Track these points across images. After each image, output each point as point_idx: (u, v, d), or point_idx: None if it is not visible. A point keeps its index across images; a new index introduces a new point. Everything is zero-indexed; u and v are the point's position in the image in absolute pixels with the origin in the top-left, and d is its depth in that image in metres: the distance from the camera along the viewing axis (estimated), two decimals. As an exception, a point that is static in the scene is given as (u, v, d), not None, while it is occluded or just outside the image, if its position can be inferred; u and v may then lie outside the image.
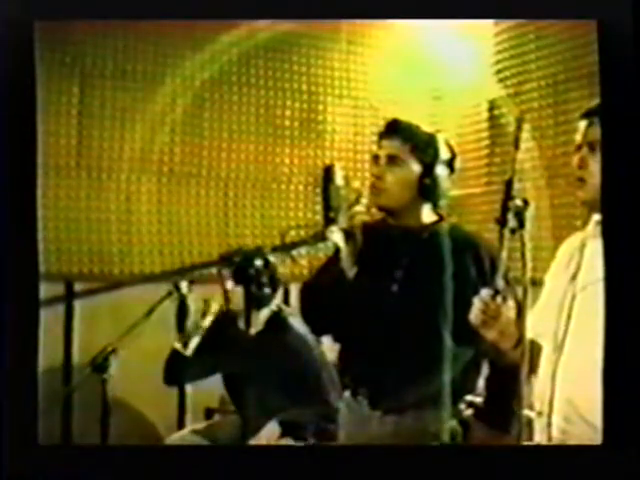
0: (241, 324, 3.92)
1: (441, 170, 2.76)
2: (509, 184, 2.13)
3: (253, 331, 3.87)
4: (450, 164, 2.79)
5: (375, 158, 2.81)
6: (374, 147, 2.86)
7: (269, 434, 3.71)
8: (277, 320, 3.88)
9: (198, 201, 4.65)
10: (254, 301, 3.80)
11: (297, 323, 3.71)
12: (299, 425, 3.74)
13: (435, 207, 2.81)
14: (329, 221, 2.61)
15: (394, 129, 2.79)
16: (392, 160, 2.76)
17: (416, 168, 2.75)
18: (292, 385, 3.76)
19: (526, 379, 2.10)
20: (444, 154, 2.78)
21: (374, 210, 2.79)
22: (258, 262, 3.71)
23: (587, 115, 2.28)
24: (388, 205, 2.77)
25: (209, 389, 4.20)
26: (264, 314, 3.87)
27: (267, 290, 3.84)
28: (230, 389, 4.04)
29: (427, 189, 2.76)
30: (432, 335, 2.67)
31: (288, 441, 3.69)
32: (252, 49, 4.62)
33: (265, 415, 3.74)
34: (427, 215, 2.80)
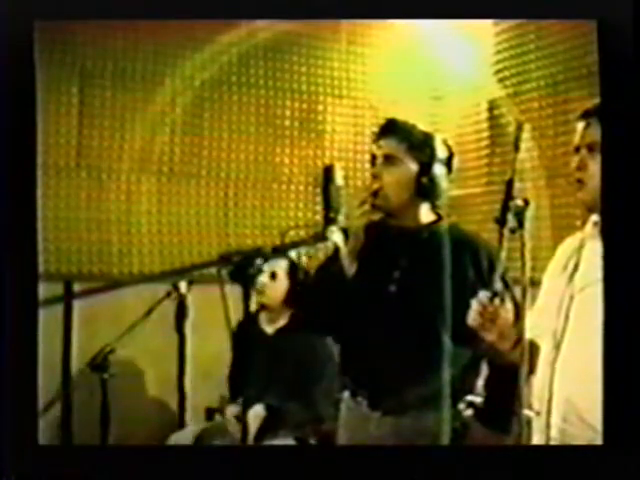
0: (263, 324, 3.96)
1: (438, 169, 2.75)
2: (510, 184, 2.12)
3: (271, 329, 3.90)
4: (448, 163, 2.78)
5: (373, 158, 2.81)
6: (374, 147, 2.86)
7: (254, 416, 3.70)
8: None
9: (198, 201, 4.65)
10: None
11: None
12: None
13: (433, 207, 2.80)
14: (329, 221, 2.61)
15: (390, 129, 2.78)
16: (389, 160, 2.75)
17: (413, 167, 2.75)
18: (307, 384, 3.77)
19: (525, 379, 2.10)
20: (441, 153, 2.76)
21: (374, 210, 2.79)
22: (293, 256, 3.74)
23: (584, 116, 2.28)
24: (386, 205, 2.75)
25: (209, 389, 4.19)
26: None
27: None
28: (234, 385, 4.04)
29: (425, 188, 2.75)
30: (431, 335, 2.67)
31: (287, 440, 3.69)
32: (252, 49, 4.62)
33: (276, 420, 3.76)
34: (425, 215, 2.80)
